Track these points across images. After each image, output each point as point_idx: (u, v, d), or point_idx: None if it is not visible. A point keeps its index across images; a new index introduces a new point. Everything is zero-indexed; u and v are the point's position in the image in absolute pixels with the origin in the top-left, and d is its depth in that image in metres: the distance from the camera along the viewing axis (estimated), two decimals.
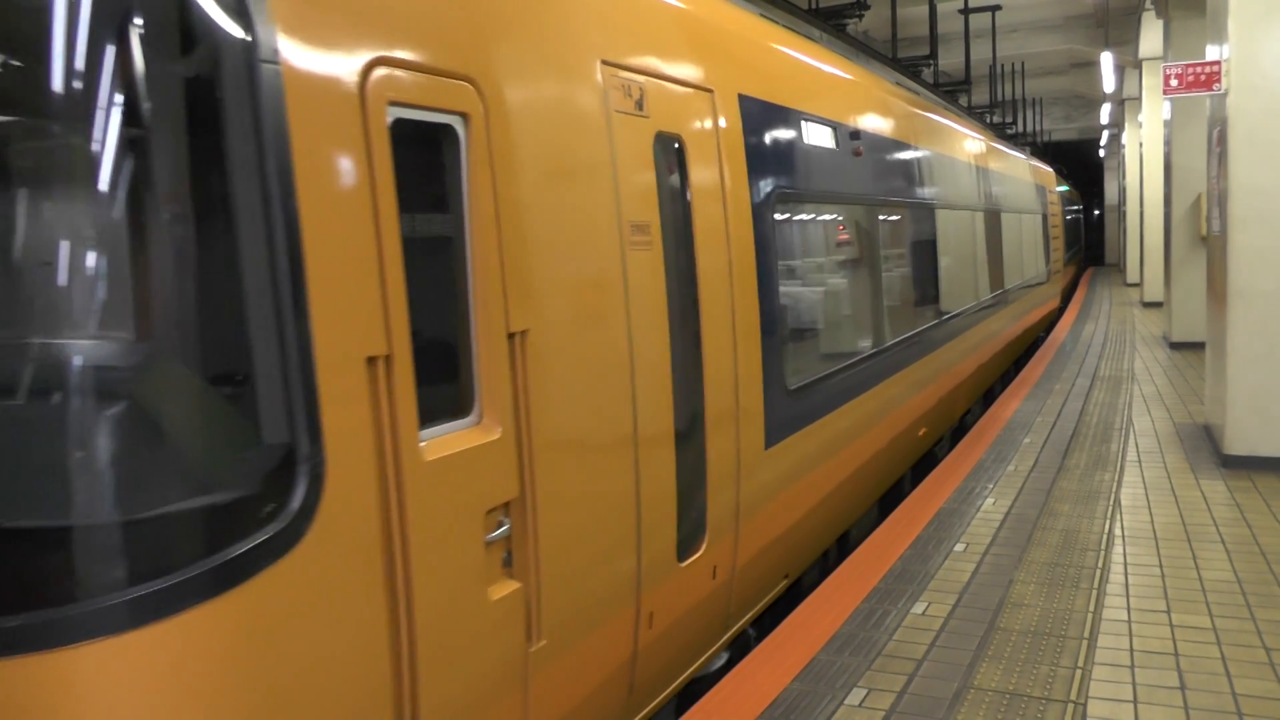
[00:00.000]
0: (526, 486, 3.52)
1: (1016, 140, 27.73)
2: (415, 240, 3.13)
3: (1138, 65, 24.43)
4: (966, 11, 22.05)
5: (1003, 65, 30.16)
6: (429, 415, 3.12)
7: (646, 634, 4.39)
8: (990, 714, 4.33)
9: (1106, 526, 7.05)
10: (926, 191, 10.12)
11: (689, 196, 4.91)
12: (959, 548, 6.65)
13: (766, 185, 5.84)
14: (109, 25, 2.38)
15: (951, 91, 20.13)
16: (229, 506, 2.51)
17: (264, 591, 2.48)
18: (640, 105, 4.47)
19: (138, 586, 2.27)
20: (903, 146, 9.38)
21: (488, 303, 3.36)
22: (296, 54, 2.72)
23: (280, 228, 2.61)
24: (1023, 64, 32.35)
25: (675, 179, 4.83)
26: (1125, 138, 34.69)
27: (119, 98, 2.40)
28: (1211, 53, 9.58)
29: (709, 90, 5.21)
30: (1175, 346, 16.51)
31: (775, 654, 5.02)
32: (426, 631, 3.03)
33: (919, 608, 5.59)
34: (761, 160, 5.78)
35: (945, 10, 21.84)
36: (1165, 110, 16.47)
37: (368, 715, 2.86)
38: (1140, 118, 25.25)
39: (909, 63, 17.03)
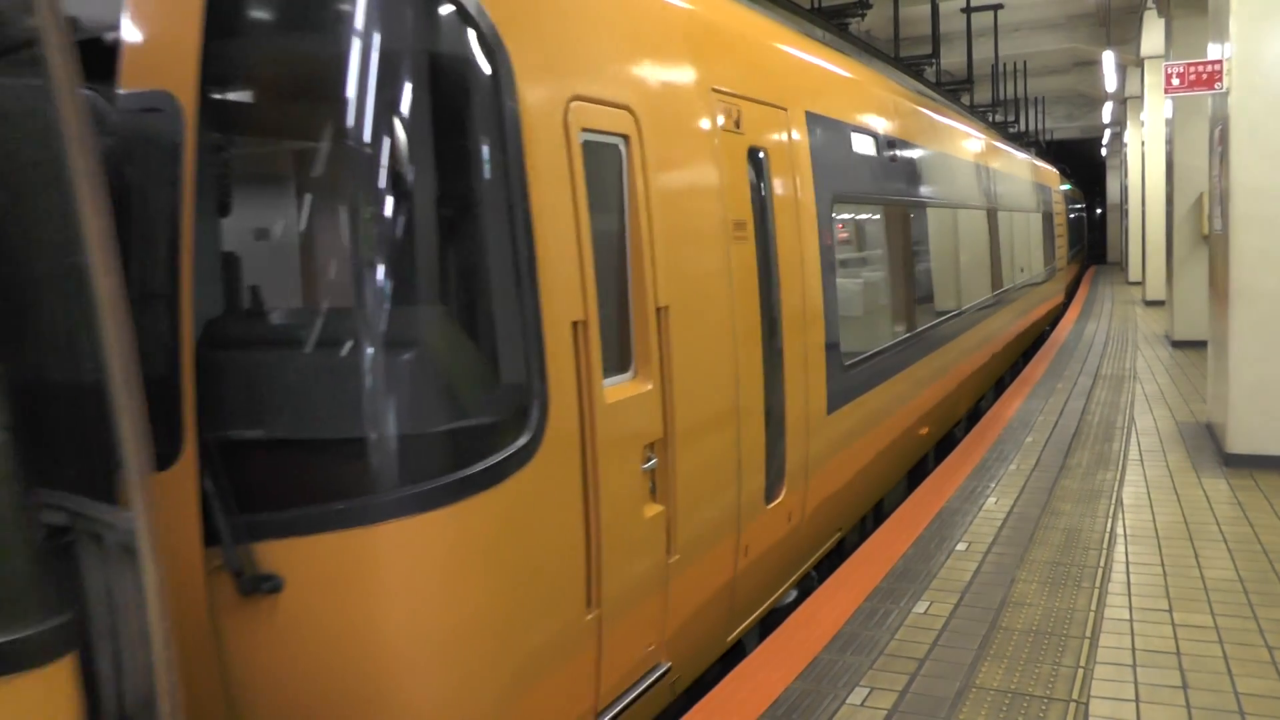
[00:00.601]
0: (668, 429, 4.50)
1: (1019, 139, 27.72)
2: (595, 233, 4.11)
3: (1139, 64, 24.43)
4: (969, 10, 22.05)
5: (1005, 64, 30.15)
6: (607, 369, 4.09)
7: (743, 561, 5.31)
8: (992, 713, 4.33)
9: (1108, 525, 7.06)
10: (950, 193, 11.29)
11: (770, 198, 5.88)
12: (961, 547, 6.65)
13: (826, 188, 6.78)
14: (439, 84, 3.53)
15: (954, 90, 20.13)
16: (494, 426, 3.55)
17: (512, 490, 3.52)
18: (738, 124, 5.51)
19: (444, 476, 3.36)
20: (930, 152, 10.41)
21: (642, 283, 4.40)
22: (530, 95, 3.76)
23: (522, 224, 3.66)
24: (1025, 63, 32.34)
25: (761, 184, 5.81)
26: (1127, 136, 34.67)
27: (432, 135, 3.49)
28: (1213, 51, 9.58)
29: (784, 109, 6.22)
30: (1177, 345, 16.51)
31: (778, 653, 5.02)
32: (607, 533, 3.98)
33: (921, 607, 5.59)
34: (822, 166, 6.75)
35: (947, 9, 21.83)
36: (1167, 109, 16.47)
37: (568, 591, 3.83)
38: (1142, 116, 25.24)
39: (911, 62, 17.02)
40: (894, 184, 8.78)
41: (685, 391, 4.63)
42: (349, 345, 3.35)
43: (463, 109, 3.55)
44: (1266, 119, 8.47)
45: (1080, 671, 4.73)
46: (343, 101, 3.38)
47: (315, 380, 3.37)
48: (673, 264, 4.61)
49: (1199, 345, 15.35)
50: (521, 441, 3.56)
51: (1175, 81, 9.89)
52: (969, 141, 13.17)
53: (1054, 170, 27.14)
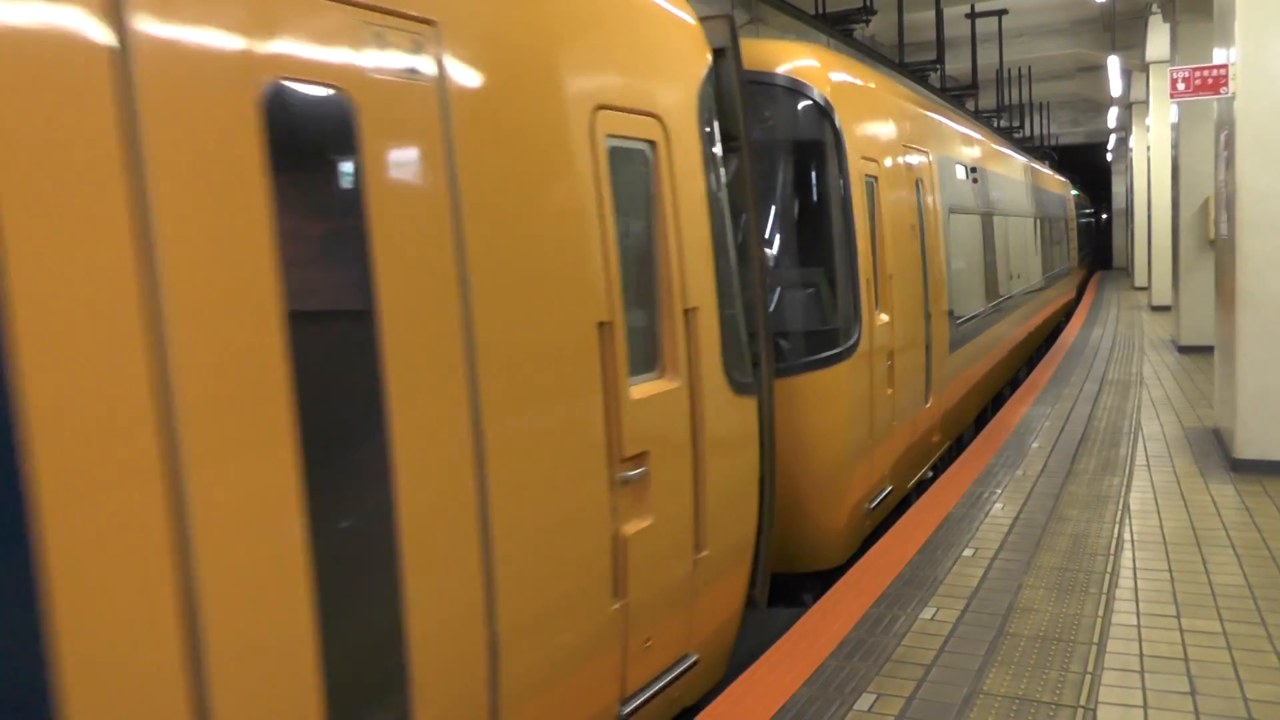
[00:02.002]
0: (894, 346, 7.90)
1: (1023, 144, 27.70)
2: (875, 225, 7.67)
3: (1145, 69, 24.40)
4: (973, 16, 22.07)
5: (1009, 69, 30.13)
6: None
7: (916, 434, 8.73)
8: (999, 719, 4.32)
9: (1115, 531, 7.04)
10: (1010, 205, 15.62)
11: (923, 211, 9.17)
12: (968, 553, 6.64)
13: (945, 204, 10.23)
14: (815, 140, 7.14)
15: (959, 96, 20.14)
16: (847, 331, 6.81)
17: (852, 363, 6.74)
18: (909, 166, 8.91)
19: (830, 353, 6.65)
20: (997, 175, 14.57)
21: (881, 258, 7.02)
22: (850, 150, 7.26)
23: (849, 219, 7.07)
24: (1029, 68, 32.31)
25: (918, 202, 9.04)
26: (1132, 141, 34.64)
27: (820, 169, 7.08)
28: (1218, 56, 9.58)
29: (926, 153, 9.60)
30: (1184, 350, 16.48)
31: (785, 659, 5.02)
32: (877, 391, 7.49)
33: (928, 613, 5.59)
34: (944, 189, 10.21)
35: (952, 15, 21.85)
36: (1172, 114, 16.43)
37: (876, 412, 7.49)
38: (1147, 121, 25.22)
39: (916, 67, 17.04)
40: (979, 200, 12.60)
41: (901, 325, 8.05)
42: (793, 289, 6.79)
43: (830, 148, 7.01)
44: (1272, 123, 8.46)
45: (1088, 677, 4.72)
46: (782, 153, 7.00)
47: (787, 305, 6.72)
48: (895, 249, 7.97)
49: (1205, 350, 15.33)
50: (853, 340, 6.90)
51: (1180, 86, 9.88)
52: (1019, 165, 17.97)
53: (1065, 180, 31.39)
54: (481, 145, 3.32)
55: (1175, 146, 16.31)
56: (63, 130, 2.07)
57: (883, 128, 8.15)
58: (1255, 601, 5.63)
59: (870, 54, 14.27)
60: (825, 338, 6.72)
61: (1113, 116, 39.94)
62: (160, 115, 2.26)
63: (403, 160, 2.98)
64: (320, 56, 2.71)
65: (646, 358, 4.35)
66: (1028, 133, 35.73)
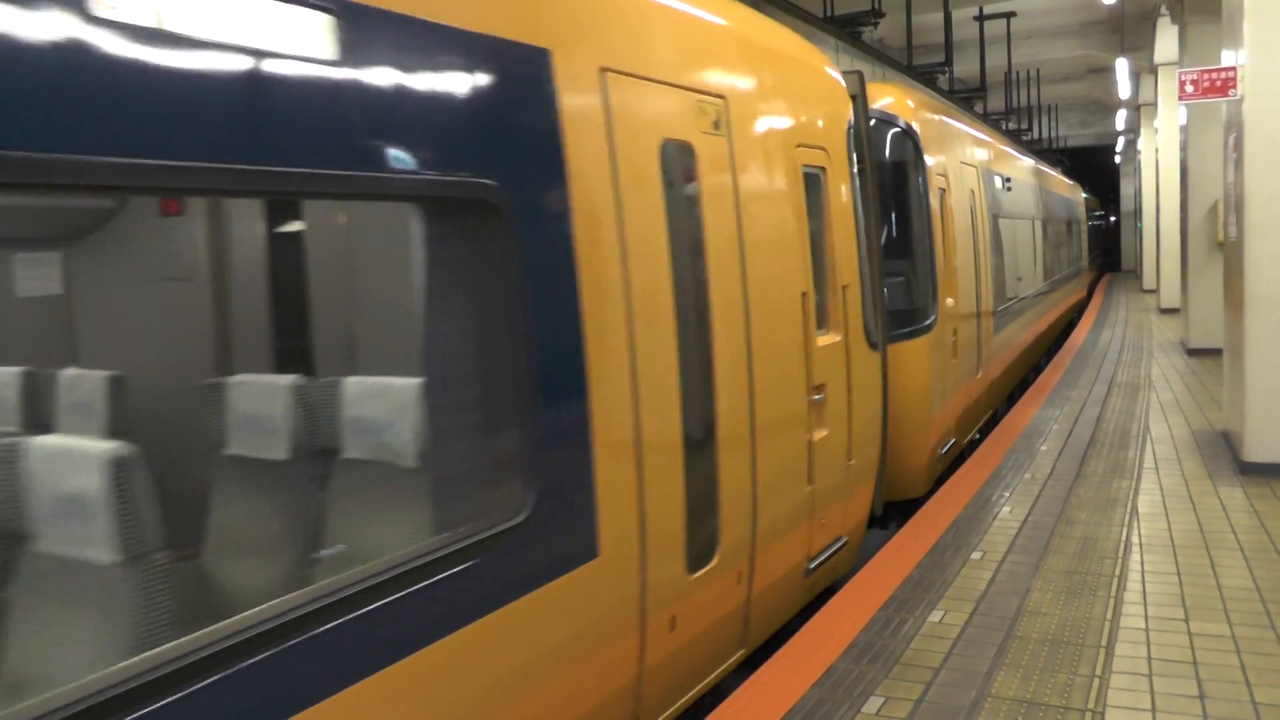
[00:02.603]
0: (958, 321, 9.87)
1: (1031, 146, 27.66)
2: (951, 225, 9.76)
3: (1153, 71, 24.35)
4: (981, 18, 22.06)
5: (1018, 71, 30.08)
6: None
7: (970, 398, 10.56)
8: None
9: (1124, 534, 7.04)
10: (1038, 211, 18.06)
11: (976, 216, 11.12)
12: (976, 555, 6.64)
13: (990, 210, 12.29)
14: (903, 157, 9.15)
15: (967, 98, 20.12)
16: (927, 309, 8.87)
17: (934, 334, 8.86)
18: (963, 179, 10.70)
19: (919, 325, 8.79)
20: (1027, 184, 17.05)
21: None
22: (931, 163, 9.39)
23: (933, 220, 9.23)
24: (1038, 70, 32.28)
25: (971, 208, 10.96)
26: (1141, 143, 34.56)
27: (912, 180, 9.12)
28: (1227, 58, 9.57)
29: (975, 168, 11.56)
30: (1193, 353, 16.45)
31: (793, 661, 5.02)
32: (949, 358, 9.59)
33: (936, 616, 5.59)
34: (987, 198, 12.20)
35: (960, 17, 21.83)
36: (1181, 116, 16.41)
37: (960, 369, 10.06)
38: (1156, 123, 25.17)
39: (924, 70, 17.04)
40: (1015, 206, 14.97)
41: (962, 309, 10.00)
42: (889, 277, 8.27)
43: (915, 166, 8.97)
44: None
45: (1096, 681, 4.72)
46: (880, 171, 8.72)
47: (886, 288, 7.78)
48: (957, 246, 9.94)
49: (1214, 353, 15.29)
50: (931, 319, 8.77)
51: (1189, 88, 9.87)
52: (1044, 176, 20.57)
53: (1076, 186, 33.65)
54: (748, 171, 5.12)
55: (1184, 149, 16.28)
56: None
57: (948, 149, 10.19)
58: (1264, 605, 5.62)
59: (878, 56, 14.28)
60: (913, 315, 8.75)
61: (1121, 119, 39.86)
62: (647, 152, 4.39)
63: (716, 182, 4.81)
64: (681, 123, 4.54)
65: (821, 318, 6.02)
66: (1036, 135, 35.68)
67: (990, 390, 11.97)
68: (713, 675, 4.94)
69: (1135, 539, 6.92)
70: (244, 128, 2.57)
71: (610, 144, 3.99)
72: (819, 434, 5.81)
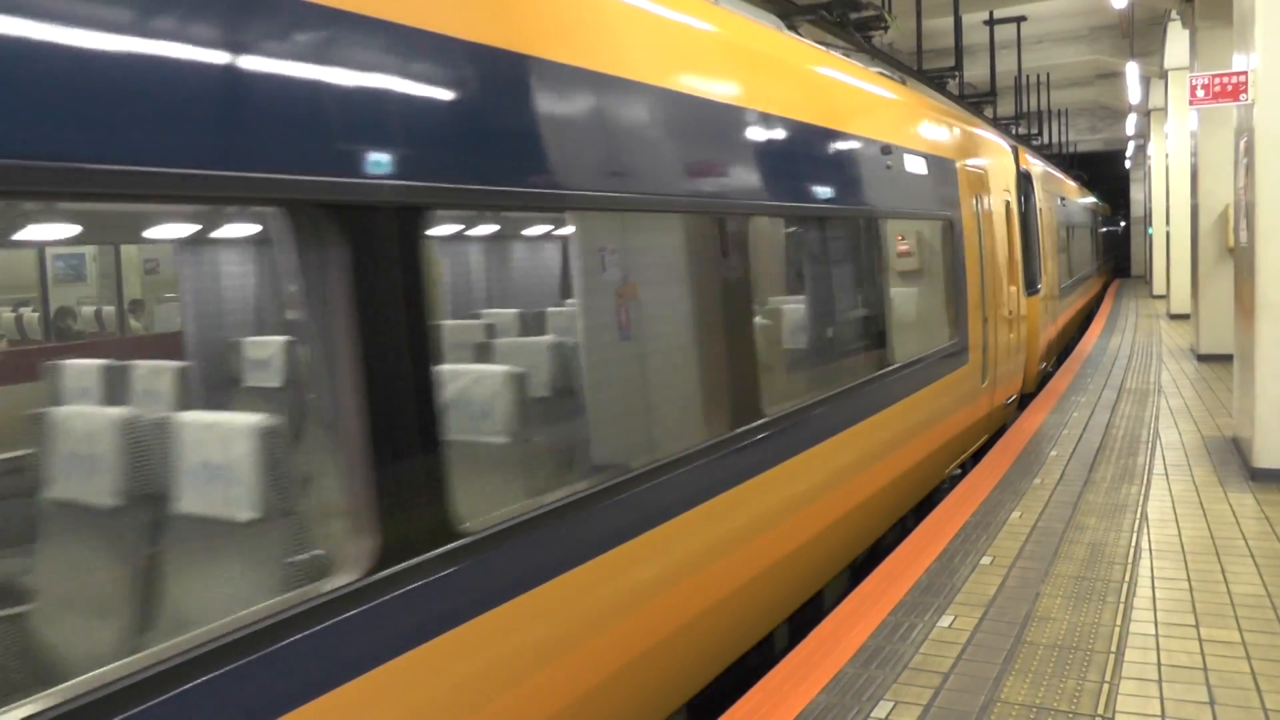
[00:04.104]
0: (1051, 295, 17.60)
1: (1042, 151, 27.66)
2: (1026, 231, 15.34)
3: (1163, 76, 24.30)
4: (991, 23, 22.05)
5: (1028, 76, 30.06)
6: (1030, 283, 14.62)
7: (1045, 347, 15.64)
8: None
9: (1134, 540, 7.02)
10: (1077, 220, 25.39)
11: (1050, 223, 17.10)
12: (985, 561, 6.63)
13: (1057, 219, 19.19)
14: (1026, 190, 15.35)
15: (977, 103, 20.11)
16: (1037, 281, 15.23)
17: (1039, 297, 15.17)
18: (1041, 200, 16.26)
19: (1034, 288, 14.88)
20: (1071, 202, 23.69)
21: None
22: (1038, 193, 16.12)
23: (1039, 231, 15.89)
24: (1048, 75, 32.27)
25: (1050, 219, 17.91)
26: (1151, 149, 34.47)
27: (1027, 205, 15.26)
28: (1238, 63, 9.54)
29: (1051, 193, 18.25)
30: (1203, 359, 16.40)
31: (802, 666, 5.02)
32: (1051, 308, 17.08)
33: (945, 621, 5.58)
34: (1056, 213, 19.09)
35: (970, 22, 21.83)
36: (1192, 121, 16.38)
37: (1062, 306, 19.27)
38: (1166, 128, 25.11)
39: (934, 74, 17.03)
40: (1068, 218, 22.09)
41: (1049, 283, 16.08)
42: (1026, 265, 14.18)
43: (1030, 195, 15.00)
44: None
45: (1105, 687, 4.71)
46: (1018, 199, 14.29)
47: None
48: (1046, 243, 15.96)
49: (1224, 359, 15.26)
50: (1038, 285, 14.75)
51: (1200, 93, 9.85)
52: (1075, 192, 27.61)
53: (1095, 200, 40.42)
54: (997, 202, 11.75)
55: (1194, 154, 16.25)
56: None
57: (1043, 184, 16.66)
58: (1275, 611, 5.61)
59: (889, 61, 14.28)
60: (1030, 282, 14.12)
61: (1131, 123, 39.77)
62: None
63: (995, 208, 11.76)
64: (980, 185, 10.92)
65: (1011, 277, 11.92)
66: (1046, 140, 35.61)
67: (1058, 336, 18.46)
68: (973, 446, 10.62)
69: (1145, 545, 6.91)
70: (893, 193, 7.92)
71: (975, 196, 10.41)
72: (1013, 334, 12.15)
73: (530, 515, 3.51)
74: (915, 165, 8.46)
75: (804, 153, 6.18)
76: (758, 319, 5.50)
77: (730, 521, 4.97)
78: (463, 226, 5.70)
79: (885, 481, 7.38)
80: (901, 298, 8.10)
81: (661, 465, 4.36)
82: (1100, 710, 4.48)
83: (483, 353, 5.12)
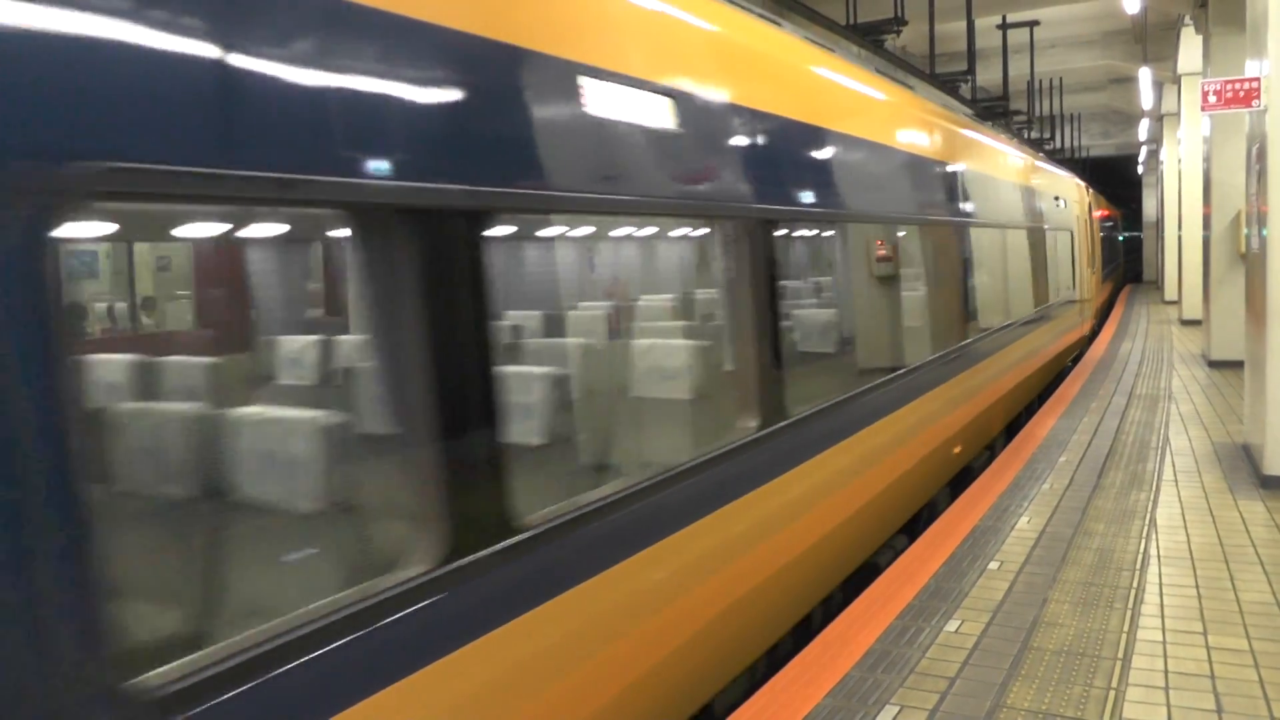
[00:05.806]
0: (1095, 277, 27.51)
1: (1054, 156, 27.74)
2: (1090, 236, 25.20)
3: (1176, 81, 24.25)
4: (1004, 27, 22.02)
5: (1041, 81, 30.01)
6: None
7: (1085, 319, 21.73)
8: None
9: (1142, 546, 7.01)
10: (1104, 224, 35.91)
11: (1097, 230, 27.26)
12: (993, 566, 6.63)
13: (1095, 226, 26.75)
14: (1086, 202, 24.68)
15: (989, 107, 20.07)
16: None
17: (1098, 277, 27.44)
18: (1091, 215, 25.28)
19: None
20: (1101, 215, 33.62)
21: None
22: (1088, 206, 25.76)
23: (1094, 232, 26.62)
24: (1061, 79, 32.21)
25: (1096, 227, 26.82)
26: (1164, 154, 34.39)
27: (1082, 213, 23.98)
28: (1251, 69, 9.52)
29: (1110, 212, 39.03)
30: (1214, 365, 16.35)
31: (808, 670, 5.03)
32: (1094, 289, 25.86)
33: (952, 625, 5.58)
34: (1095, 222, 27.00)
35: (983, 26, 21.80)
36: (1204, 126, 16.33)
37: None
38: (1179, 134, 25.05)
39: (947, 78, 17.01)
40: (1103, 231, 33.12)
41: (1094, 268, 24.98)
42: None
43: (1090, 210, 24.65)
44: None
45: (1112, 693, 4.71)
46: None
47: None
48: (1091, 244, 24.31)
49: (1236, 365, 15.19)
50: (1094, 271, 24.67)
51: (1212, 99, 9.83)
52: (1106, 207, 36.49)
53: (1114, 211, 48.10)
54: (1087, 220, 23.30)
55: (1207, 159, 16.20)
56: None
57: (1092, 202, 24.85)
58: None
59: (901, 65, 14.27)
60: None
61: (1144, 129, 39.70)
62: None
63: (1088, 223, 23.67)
64: (1081, 209, 22.62)
65: (1088, 263, 22.70)
66: (1058, 144, 35.54)
67: (1097, 311, 25.10)
68: (1074, 354, 19.95)
69: (1153, 551, 6.89)
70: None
71: (1077, 216, 20.90)
72: (1089, 296, 21.95)
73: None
74: (1063, 205, 18.70)
75: (1029, 202, 14.60)
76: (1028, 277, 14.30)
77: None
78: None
79: (1054, 353, 16.26)
80: (1064, 268, 18.07)
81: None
82: (1107, 717, 4.47)
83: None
